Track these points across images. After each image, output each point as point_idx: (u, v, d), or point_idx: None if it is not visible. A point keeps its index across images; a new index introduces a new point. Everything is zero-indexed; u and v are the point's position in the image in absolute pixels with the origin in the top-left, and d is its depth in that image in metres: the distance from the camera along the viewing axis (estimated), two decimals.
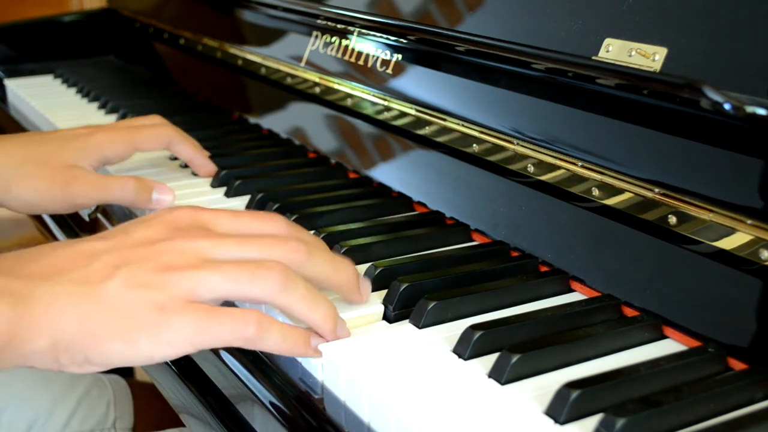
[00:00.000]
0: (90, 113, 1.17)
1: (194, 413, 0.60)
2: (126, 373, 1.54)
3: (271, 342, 0.50)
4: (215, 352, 0.58)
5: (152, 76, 1.37)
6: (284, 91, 1.01)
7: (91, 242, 0.53)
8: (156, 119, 0.87)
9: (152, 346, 0.49)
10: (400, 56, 0.82)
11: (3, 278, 0.49)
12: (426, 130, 0.79)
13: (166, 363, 0.63)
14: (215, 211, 0.56)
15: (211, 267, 0.51)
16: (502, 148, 0.70)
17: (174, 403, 0.64)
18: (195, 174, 0.88)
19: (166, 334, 0.48)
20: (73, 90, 1.30)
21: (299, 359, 0.55)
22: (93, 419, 0.93)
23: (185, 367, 0.62)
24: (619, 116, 0.60)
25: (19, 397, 0.91)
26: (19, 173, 0.75)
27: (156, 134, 0.83)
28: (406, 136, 0.81)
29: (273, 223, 0.56)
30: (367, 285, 0.59)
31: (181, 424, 0.81)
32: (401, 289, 0.59)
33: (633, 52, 0.59)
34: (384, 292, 0.60)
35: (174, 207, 0.56)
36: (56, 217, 0.94)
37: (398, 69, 0.82)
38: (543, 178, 0.66)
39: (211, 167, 0.86)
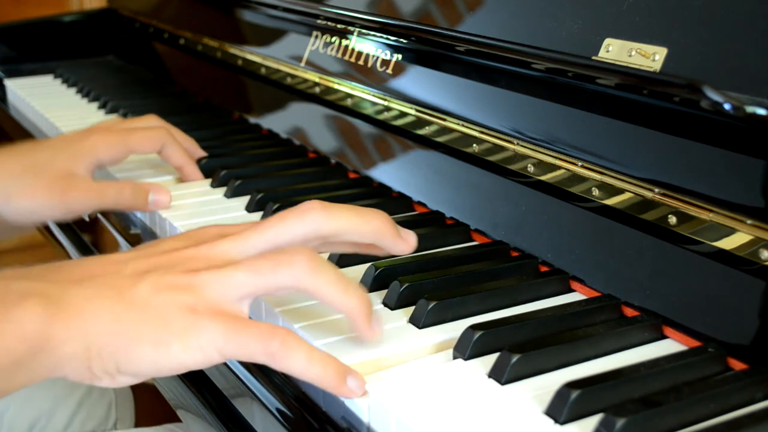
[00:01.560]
0: (90, 113, 1.17)
1: (192, 410, 0.60)
2: None
3: (295, 363, 0.49)
4: None
5: (152, 76, 1.37)
6: (284, 91, 1.01)
7: (120, 254, 0.53)
8: (151, 120, 0.87)
9: (183, 350, 0.48)
10: (400, 56, 0.82)
11: (34, 282, 0.49)
12: (426, 130, 0.79)
13: None
14: (240, 226, 0.55)
15: (234, 265, 0.51)
16: (502, 148, 0.70)
17: (170, 398, 0.64)
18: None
19: (198, 339, 0.48)
20: (73, 90, 1.30)
21: None
22: (94, 420, 0.93)
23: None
24: (619, 116, 0.60)
25: (20, 398, 0.91)
26: (18, 184, 0.76)
27: (149, 137, 0.83)
28: (406, 136, 0.81)
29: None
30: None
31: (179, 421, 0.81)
32: (401, 289, 0.59)
33: (633, 52, 0.59)
34: (384, 292, 0.60)
35: (202, 227, 0.56)
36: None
37: (398, 69, 0.82)
38: (543, 178, 0.66)
39: (200, 176, 0.87)
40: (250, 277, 0.50)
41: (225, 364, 0.57)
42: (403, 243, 0.58)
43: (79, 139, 0.80)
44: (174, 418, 0.81)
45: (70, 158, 0.78)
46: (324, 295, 0.51)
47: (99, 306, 0.48)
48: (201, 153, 0.90)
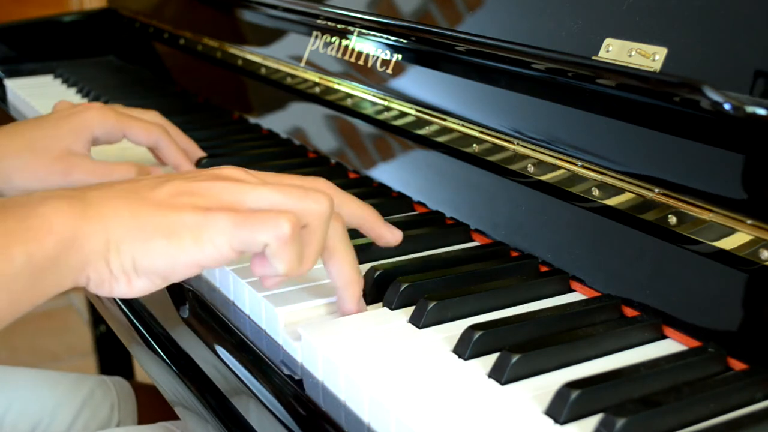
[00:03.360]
0: None
1: (191, 408, 0.60)
2: (128, 375, 1.55)
3: (290, 254, 0.52)
4: (214, 350, 0.58)
5: (152, 76, 1.37)
6: (284, 91, 1.01)
7: (140, 177, 0.57)
8: (152, 115, 0.87)
9: (195, 243, 0.50)
10: (400, 56, 0.82)
11: (55, 190, 0.51)
12: (426, 130, 0.79)
13: (163, 359, 0.63)
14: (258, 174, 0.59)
15: (258, 183, 0.54)
16: (502, 148, 0.70)
17: (170, 398, 0.65)
18: None
19: (208, 232, 0.50)
20: (73, 90, 1.30)
21: (298, 359, 0.55)
22: (96, 421, 0.93)
23: (184, 366, 0.62)
24: (619, 116, 0.60)
25: (23, 399, 0.91)
26: (18, 163, 0.76)
27: (146, 128, 0.83)
28: (406, 136, 0.81)
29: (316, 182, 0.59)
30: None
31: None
32: (401, 289, 0.59)
33: (633, 52, 0.60)
34: (384, 292, 0.60)
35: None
36: None
37: (398, 69, 0.82)
38: (543, 178, 0.66)
39: None
40: (273, 194, 0.53)
41: (225, 364, 0.57)
42: (389, 233, 0.62)
43: (75, 113, 0.81)
44: (175, 419, 0.81)
45: (67, 134, 0.78)
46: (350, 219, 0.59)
47: (118, 203, 0.51)
48: (200, 153, 0.90)
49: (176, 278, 0.53)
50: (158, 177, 0.55)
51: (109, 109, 0.82)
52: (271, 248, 0.52)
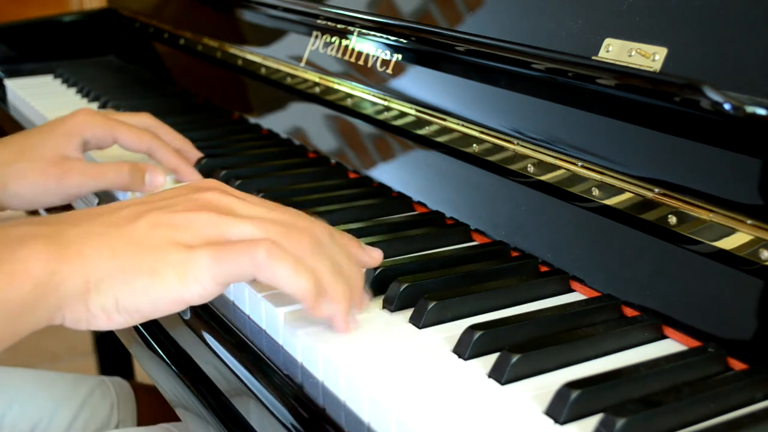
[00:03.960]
0: None
1: (191, 409, 0.60)
2: (128, 375, 1.55)
3: (281, 272, 0.50)
4: (213, 350, 0.58)
5: (152, 76, 1.37)
6: (284, 91, 1.01)
7: (119, 202, 0.55)
8: (144, 119, 0.86)
9: (179, 281, 0.50)
10: (400, 56, 0.82)
11: (35, 226, 0.50)
12: (426, 130, 0.79)
13: (163, 360, 0.63)
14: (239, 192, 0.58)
15: (242, 218, 0.53)
16: (502, 148, 0.70)
17: (170, 398, 0.64)
18: None
19: (192, 269, 0.50)
20: (73, 90, 1.30)
21: (299, 359, 0.55)
22: (96, 421, 0.93)
23: (184, 367, 0.62)
24: (619, 116, 0.60)
25: (22, 400, 0.91)
26: (13, 171, 0.76)
27: (137, 135, 0.83)
28: (406, 136, 0.81)
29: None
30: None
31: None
32: (401, 289, 0.59)
33: (633, 52, 0.59)
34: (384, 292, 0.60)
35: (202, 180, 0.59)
36: (51, 211, 0.95)
37: (398, 69, 0.82)
38: (543, 178, 0.66)
39: (197, 177, 0.87)
40: (254, 231, 0.52)
41: (225, 364, 0.57)
42: (367, 257, 0.60)
43: (66, 118, 0.81)
44: (175, 420, 0.81)
45: (59, 139, 0.79)
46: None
47: (97, 242, 0.50)
48: (195, 152, 0.89)
49: (159, 315, 0.51)
50: (139, 204, 0.54)
51: (99, 114, 0.82)
52: (260, 277, 0.51)
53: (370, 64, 0.85)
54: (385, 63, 0.83)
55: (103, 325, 0.51)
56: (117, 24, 1.52)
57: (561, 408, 0.46)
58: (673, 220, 0.56)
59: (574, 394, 0.46)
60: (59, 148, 0.78)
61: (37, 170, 0.76)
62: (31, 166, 0.76)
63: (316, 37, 0.95)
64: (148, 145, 0.83)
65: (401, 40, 0.82)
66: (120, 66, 1.47)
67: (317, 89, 0.95)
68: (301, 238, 0.53)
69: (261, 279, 0.51)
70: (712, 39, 0.56)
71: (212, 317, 0.62)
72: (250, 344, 0.58)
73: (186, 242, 0.51)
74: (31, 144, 0.78)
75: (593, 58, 0.62)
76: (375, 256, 0.61)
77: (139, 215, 0.52)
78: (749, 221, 0.52)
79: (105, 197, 0.85)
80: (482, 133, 0.72)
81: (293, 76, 0.99)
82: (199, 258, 0.50)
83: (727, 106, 0.50)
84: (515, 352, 0.50)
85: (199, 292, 0.50)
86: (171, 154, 0.84)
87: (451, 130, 0.75)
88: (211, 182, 0.58)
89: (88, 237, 0.50)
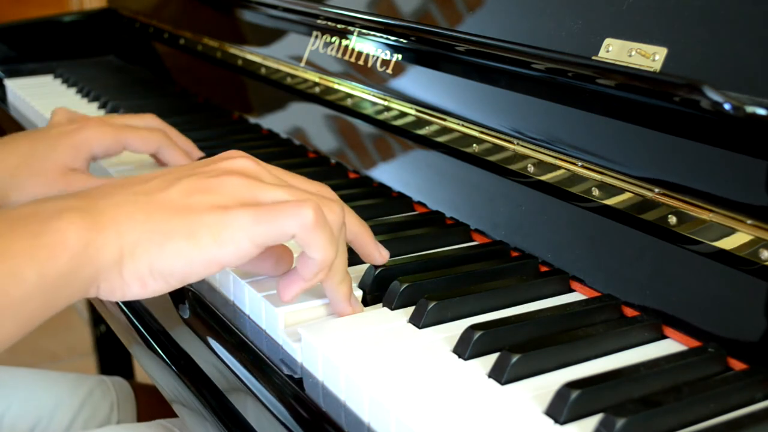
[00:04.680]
0: (90, 113, 1.16)
1: (189, 406, 0.60)
2: (128, 375, 1.55)
3: (323, 237, 0.51)
4: (213, 350, 0.58)
5: (152, 76, 1.37)
6: (284, 91, 1.01)
7: (146, 175, 0.55)
8: (149, 120, 0.86)
9: (214, 241, 0.50)
10: (400, 56, 0.82)
11: (68, 200, 0.50)
12: (426, 130, 0.79)
13: (163, 359, 0.63)
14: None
15: (272, 182, 0.54)
16: (502, 148, 0.70)
17: (169, 398, 0.65)
18: None
19: (228, 229, 0.50)
20: (73, 90, 1.30)
21: (298, 359, 0.55)
22: (96, 421, 0.93)
23: (184, 367, 0.62)
24: (619, 116, 0.60)
25: (22, 399, 0.91)
26: (15, 182, 0.75)
27: (145, 138, 0.83)
28: (406, 136, 0.81)
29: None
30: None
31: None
32: (401, 289, 0.59)
33: (633, 52, 0.59)
34: (384, 292, 0.60)
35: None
36: None
37: (398, 69, 0.82)
38: (543, 178, 0.66)
39: None
40: (285, 193, 0.53)
41: (225, 364, 0.57)
42: (378, 253, 0.61)
43: (74, 131, 0.80)
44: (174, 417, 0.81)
45: (66, 152, 0.78)
46: (354, 231, 0.58)
47: (130, 209, 0.50)
48: (198, 153, 0.90)
49: (194, 278, 0.51)
50: (166, 174, 0.54)
51: (107, 125, 0.81)
52: (300, 238, 0.51)
53: (370, 64, 0.86)
54: (385, 63, 0.83)
55: (138, 293, 0.51)
56: (117, 24, 1.52)
57: (561, 408, 0.46)
58: (673, 220, 0.56)
59: (574, 394, 0.46)
60: (65, 161, 0.77)
61: (41, 184, 0.75)
62: (35, 180, 0.75)
63: (316, 37, 0.95)
64: (157, 146, 0.83)
65: (401, 40, 0.82)
66: (120, 66, 1.47)
67: (317, 89, 0.95)
68: (332, 208, 0.54)
69: (298, 241, 0.52)
70: (712, 39, 0.56)
71: (212, 317, 0.62)
72: (250, 344, 0.58)
73: (221, 204, 0.51)
74: (36, 155, 0.77)
75: (593, 58, 0.62)
76: (384, 255, 0.62)
77: (171, 183, 0.52)
78: (749, 221, 0.52)
79: None
80: (482, 133, 0.72)
81: (293, 76, 0.99)
82: (236, 217, 0.50)
83: (727, 106, 0.50)
84: (515, 352, 0.50)
85: (234, 253, 0.50)
86: (178, 153, 0.85)
87: (451, 130, 0.76)
88: (237, 152, 0.58)
89: (121, 206, 0.50)
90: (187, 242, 0.50)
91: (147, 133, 0.83)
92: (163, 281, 0.51)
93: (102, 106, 1.18)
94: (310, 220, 0.51)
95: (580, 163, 0.63)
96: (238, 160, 0.56)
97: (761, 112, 0.49)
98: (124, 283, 0.50)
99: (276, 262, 0.58)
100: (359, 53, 0.87)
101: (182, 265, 0.50)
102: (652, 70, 0.58)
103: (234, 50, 1.13)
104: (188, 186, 0.52)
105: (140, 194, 0.51)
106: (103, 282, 0.49)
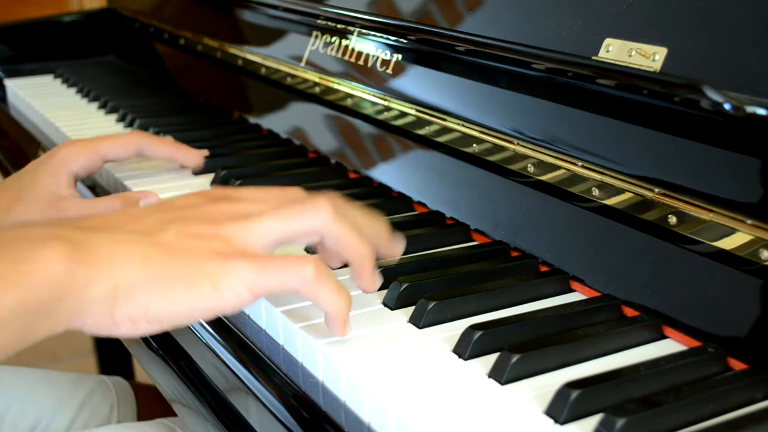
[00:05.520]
0: (90, 113, 1.17)
1: (190, 406, 0.60)
2: (128, 375, 1.55)
3: (327, 292, 0.51)
4: (213, 350, 0.58)
5: (152, 76, 1.37)
6: (284, 91, 1.01)
7: (137, 209, 0.54)
8: (129, 135, 0.85)
9: (214, 290, 0.49)
10: (400, 56, 0.82)
11: (57, 228, 0.48)
12: (426, 130, 0.79)
13: (163, 359, 0.63)
14: (246, 191, 0.58)
15: (258, 216, 0.53)
16: (502, 148, 0.70)
17: (169, 397, 0.65)
18: (195, 174, 0.88)
19: (229, 279, 0.49)
20: (73, 90, 1.30)
21: (298, 359, 0.55)
22: (96, 421, 0.93)
23: (184, 367, 0.62)
24: (619, 116, 0.60)
25: (22, 399, 0.91)
26: (10, 217, 0.74)
27: (121, 142, 0.82)
28: (406, 136, 0.81)
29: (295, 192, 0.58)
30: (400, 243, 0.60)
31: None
32: (401, 289, 0.59)
33: (633, 52, 0.60)
34: (384, 292, 0.60)
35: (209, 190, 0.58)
36: None
37: (398, 69, 0.82)
38: (543, 178, 0.66)
39: (196, 154, 0.86)
40: (275, 222, 0.52)
41: (225, 364, 0.57)
42: (390, 250, 0.60)
43: (49, 155, 0.79)
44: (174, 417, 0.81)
45: (48, 179, 0.77)
46: (346, 240, 0.54)
47: (127, 249, 0.49)
48: (198, 153, 0.89)
49: (189, 323, 0.51)
50: (158, 212, 0.53)
51: (79, 142, 0.81)
52: (304, 294, 0.51)
53: (370, 64, 0.86)
54: (385, 63, 0.84)
55: (126, 332, 0.49)
56: (117, 24, 1.52)
57: (561, 408, 0.46)
58: (673, 220, 0.56)
59: (574, 394, 0.46)
60: (51, 187, 0.77)
61: (33, 214, 0.75)
62: (26, 209, 0.75)
63: (316, 37, 0.95)
64: (136, 147, 0.83)
65: (401, 40, 0.82)
66: (120, 66, 1.47)
67: (317, 89, 0.95)
68: (318, 206, 0.53)
69: (304, 295, 0.51)
70: (712, 39, 0.56)
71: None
72: (250, 344, 0.58)
73: (220, 251, 0.50)
74: (23, 185, 0.77)
75: (593, 58, 0.62)
76: (396, 253, 0.62)
77: (166, 224, 0.51)
78: (749, 221, 0.52)
79: None
80: (482, 133, 0.72)
81: (293, 76, 0.99)
82: (236, 267, 0.49)
83: (727, 106, 0.50)
84: (515, 352, 0.50)
85: (233, 302, 0.50)
86: (161, 144, 0.84)
87: (451, 130, 0.76)
88: (217, 191, 0.57)
89: (117, 243, 0.48)
90: (189, 290, 0.49)
91: (121, 137, 0.83)
92: (158, 324, 0.50)
93: (102, 106, 1.18)
94: (310, 276, 0.50)
95: (580, 163, 0.63)
96: (222, 204, 0.55)
97: (761, 112, 0.49)
98: (113, 322, 0.48)
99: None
100: (359, 53, 0.87)
101: (182, 312, 0.49)
102: (652, 70, 0.58)
103: (234, 50, 1.13)
104: (184, 229, 0.51)
105: (136, 233, 0.50)
106: (89, 318, 0.48)
